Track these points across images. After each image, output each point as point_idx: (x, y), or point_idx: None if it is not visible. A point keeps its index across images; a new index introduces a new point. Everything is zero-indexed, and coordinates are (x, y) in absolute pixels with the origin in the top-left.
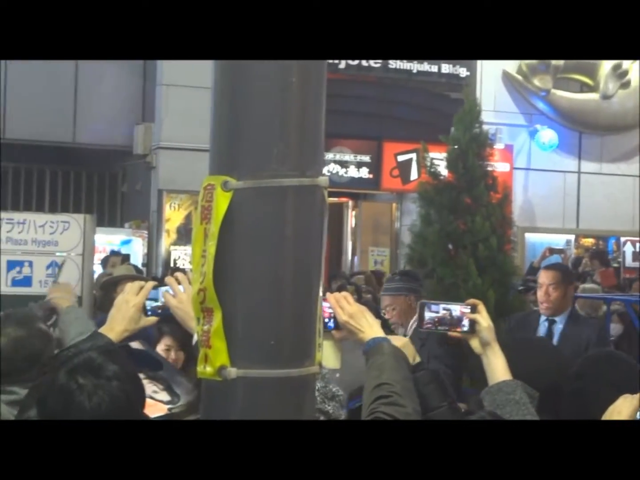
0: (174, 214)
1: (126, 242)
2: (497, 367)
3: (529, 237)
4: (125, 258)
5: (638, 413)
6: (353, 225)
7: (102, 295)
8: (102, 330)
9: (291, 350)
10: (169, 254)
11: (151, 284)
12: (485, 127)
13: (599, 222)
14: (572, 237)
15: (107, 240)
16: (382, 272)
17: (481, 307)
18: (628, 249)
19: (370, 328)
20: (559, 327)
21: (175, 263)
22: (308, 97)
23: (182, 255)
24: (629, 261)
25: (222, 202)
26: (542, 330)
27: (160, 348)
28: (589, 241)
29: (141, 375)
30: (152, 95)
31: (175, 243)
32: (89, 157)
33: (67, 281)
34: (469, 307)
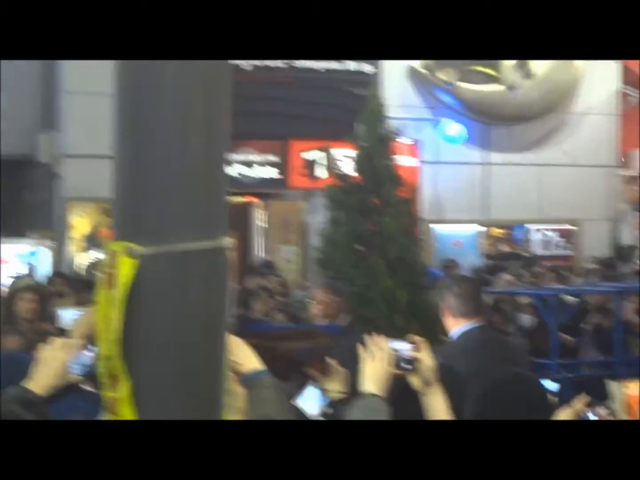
0: (80, 222)
1: (34, 253)
2: (437, 408)
3: (438, 230)
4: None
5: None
6: (262, 224)
7: (5, 309)
8: (28, 385)
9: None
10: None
11: (78, 342)
12: (391, 123)
13: (508, 212)
14: (484, 229)
15: (14, 251)
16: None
17: (424, 346)
18: (536, 237)
19: (247, 360)
20: None
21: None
22: (210, 163)
23: (87, 264)
24: (539, 250)
25: (126, 269)
26: None
27: None
28: (498, 231)
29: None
30: (54, 102)
31: (82, 251)
32: None
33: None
34: (412, 344)
